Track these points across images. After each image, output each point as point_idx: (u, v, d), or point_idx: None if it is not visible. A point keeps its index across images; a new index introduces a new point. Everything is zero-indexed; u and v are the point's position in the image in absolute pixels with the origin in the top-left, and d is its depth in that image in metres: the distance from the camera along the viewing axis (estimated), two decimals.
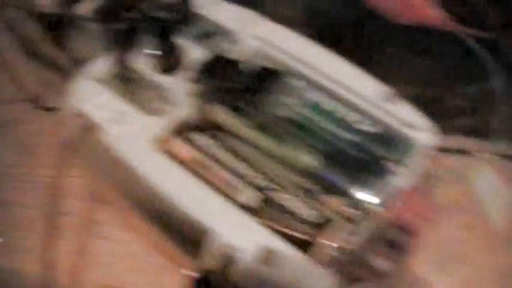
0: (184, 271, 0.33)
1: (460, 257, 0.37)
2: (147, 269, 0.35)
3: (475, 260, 0.37)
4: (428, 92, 0.45)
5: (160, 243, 0.34)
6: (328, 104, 0.35)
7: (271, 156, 0.34)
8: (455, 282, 0.36)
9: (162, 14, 0.36)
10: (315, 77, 0.36)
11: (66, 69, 0.42)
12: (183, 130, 0.34)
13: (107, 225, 0.37)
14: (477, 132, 0.42)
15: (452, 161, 0.40)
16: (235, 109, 0.35)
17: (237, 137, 0.34)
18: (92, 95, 0.35)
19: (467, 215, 0.39)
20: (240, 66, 0.34)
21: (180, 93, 0.35)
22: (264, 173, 0.32)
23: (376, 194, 0.32)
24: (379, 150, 0.34)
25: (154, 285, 0.35)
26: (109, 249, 0.36)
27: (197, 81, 0.35)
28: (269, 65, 0.34)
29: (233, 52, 0.36)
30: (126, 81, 0.35)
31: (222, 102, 0.35)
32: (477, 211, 0.39)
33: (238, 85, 0.32)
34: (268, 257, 0.29)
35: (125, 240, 0.37)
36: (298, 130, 0.35)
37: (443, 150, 0.41)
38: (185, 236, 0.32)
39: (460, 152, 0.41)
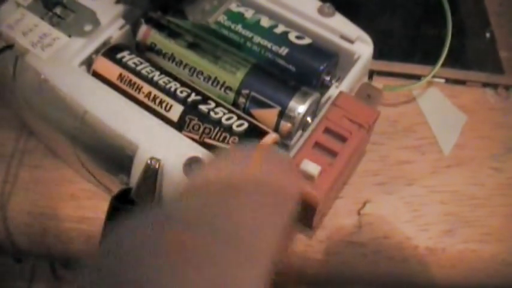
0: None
1: (407, 180, 0.36)
2: (78, 195, 0.34)
3: (421, 183, 0.36)
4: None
5: (90, 167, 0.33)
6: (262, 19, 0.34)
7: (201, 73, 0.33)
8: (399, 203, 0.35)
9: None
10: None
11: None
12: (111, 51, 0.33)
13: (36, 154, 0.35)
14: (426, 58, 0.41)
15: (398, 83, 0.39)
16: (164, 28, 0.34)
17: (166, 55, 0.33)
18: (19, 21, 0.34)
19: (417, 137, 0.38)
20: None
21: (107, 15, 0.34)
22: (193, 89, 0.31)
23: (310, 105, 0.31)
24: (315, 63, 0.33)
25: (87, 211, 0.34)
26: (40, 177, 0.35)
27: (123, 1, 0.34)
28: None
29: None
30: (52, 5, 0.34)
31: (150, 20, 0.34)
32: (427, 135, 0.38)
33: None
34: (193, 165, 0.28)
35: (55, 167, 0.35)
36: (230, 46, 0.34)
37: (390, 74, 0.40)
38: (113, 156, 0.31)
39: (408, 76, 0.40)
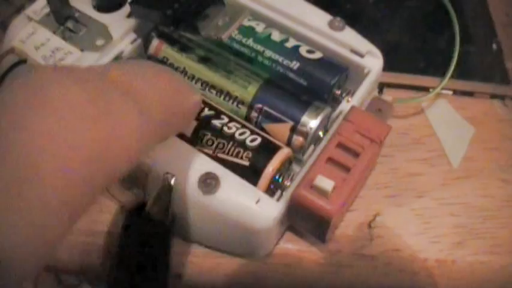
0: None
1: (417, 192, 0.36)
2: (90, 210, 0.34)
3: (431, 195, 0.36)
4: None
5: None
6: (273, 33, 0.34)
7: (213, 87, 0.33)
8: (409, 216, 0.35)
9: None
10: (258, 7, 0.35)
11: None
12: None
13: None
14: (433, 70, 0.41)
15: (406, 95, 0.39)
16: (176, 42, 0.34)
17: (178, 69, 0.33)
18: (31, 35, 0.34)
19: (427, 150, 0.38)
20: None
21: (119, 29, 0.34)
22: (205, 103, 0.31)
23: (322, 120, 0.31)
24: (326, 77, 0.33)
25: (98, 224, 0.34)
26: None
27: (135, 15, 0.34)
28: None
29: None
30: (64, 20, 0.34)
31: (162, 34, 0.34)
32: (436, 147, 0.38)
33: (176, 11, 0.31)
34: (208, 181, 0.28)
35: None
36: (242, 60, 0.34)
37: (399, 86, 0.41)
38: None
39: (416, 88, 0.40)
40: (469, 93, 0.41)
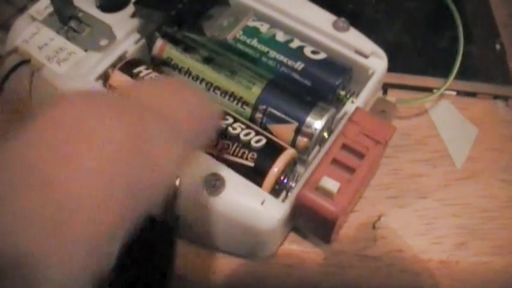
0: None
1: (420, 193, 0.36)
2: None
3: (434, 196, 0.36)
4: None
5: None
6: (278, 34, 0.34)
7: (218, 88, 0.33)
8: (412, 217, 0.35)
9: None
10: (262, 8, 0.35)
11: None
12: (127, 66, 0.33)
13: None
14: (436, 70, 0.41)
15: (410, 96, 0.39)
16: (180, 42, 0.34)
17: (182, 70, 0.33)
18: (34, 35, 0.34)
19: (429, 150, 0.38)
20: None
21: (123, 29, 0.34)
22: None
23: (327, 121, 0.31)
24: (330, 78, 0.33)
25: None
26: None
27: (139, 15, 0.34)
28: None
29: None
30: (68, 20, 0.34)
31: (165, 35, 0.34)
32: (439, 148, 0.38)
33: (180, 12, 0.31)
34: (212, 182, 0.28)
35: None
36: (246, 61, 0.34)
37: (402, 87, 0.41)
38: None
39: (419, 88, 0.40)
40: (472, 94, 0.41)
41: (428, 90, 0.40)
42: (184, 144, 0.22)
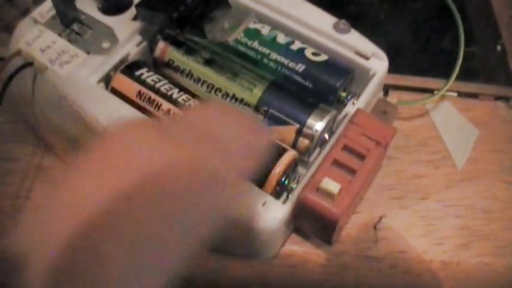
0: None
1: (421, 194, 0.36)
2: None
3: (436, 197, 0.36)
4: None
5: None
6: (279, 36, 0.34)
7: (219, 90, 0.33)
8: (414, 218, 0.35)
9: None
10: (263, 10, 0.36)
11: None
12: (129, 68, 0.33)
13: (51, 169, 0.36)
14: (438, 71, 0.41)
15: (411, 97, 0.39)
16: (182, 45, 0.34)
17: (183, 72, 0.34)
18: (37, 38, 0.34)
19: (431, 151, 0.38)
20: None
21: (124, 31, 0.34)
22: None
23: (328, 122, 0.31)
24: (332, 79, 0.33)
25: None
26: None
27: (141, 18, 0.34)
28: None
29: None
30: (70, 22, 0.34)
31: (167, 37, 0.34)
32: (441, 149, 0.38)
33: (182, 14, 0.31)
34: None
35: None
36: (247, 63, 0.34)
37: (404, 88, 0.41)
38: None
39: (421, 90, 0.40)
40: (474, 95, 0.41)
41: (430, 91, 0.40)
42: (240, 177, 0.22)
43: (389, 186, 0.36)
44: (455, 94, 0.41)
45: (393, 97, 0.39)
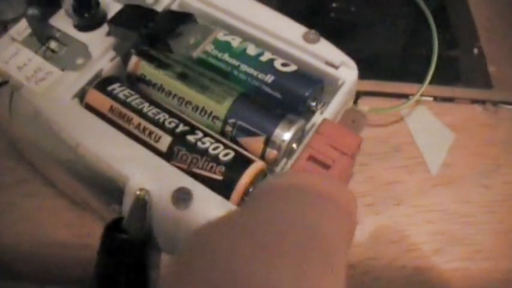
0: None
1: (395, 200, 0.37)
2: (75, 223, 0.35)
3: (410, 203, 0.37)
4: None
5: (84, 197, 0.34)
6: (249, 47, 0.35)
7: (189, 103, 0.33)
8: (387, 224, 0.36)
9: None
10: (233, 21, 0.36)
11: None
12: (102, 83, 0.34)
13: (34, 183, 0.37)
14: (414, 76, 0.41)
15: (386, 103, 0.40)
16: (154, 59, 0.35)
17: (155, 86, 0.34)
18: (14, 56, 0.35)
19: (405, 157, 0.38)
20: (151, 13, 0.34)
21: (98, 47, 0.35)
22: (181, 119, 0.32)
23: (295, 132, 0.32)
24: (300, 89, 0.33)
25: (84, 238, 0.35)
26: (37, 206, 0.36)
27: (113, 34, 0.35)
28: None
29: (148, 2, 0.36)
30: (46, 40, 0.35)
31: (140, 52, 0.35)
32: (415, 154, 0.39)
33: (151, 31, 0.32)
34: (181, 196, 0.29)
35: (52, 196, 0.36)
36: (218, 75, 0.35)
37: (378, 94, 0.41)
38: (105, 187, 0.32)
39: (396, 95, 0.40)
40: (450, 99, 0.41)
41: (405, 96, 0.40)
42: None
43: (362, 193, 0.37)
44: (431, 99, 0.41)
45: (369, 103, 0.39)
